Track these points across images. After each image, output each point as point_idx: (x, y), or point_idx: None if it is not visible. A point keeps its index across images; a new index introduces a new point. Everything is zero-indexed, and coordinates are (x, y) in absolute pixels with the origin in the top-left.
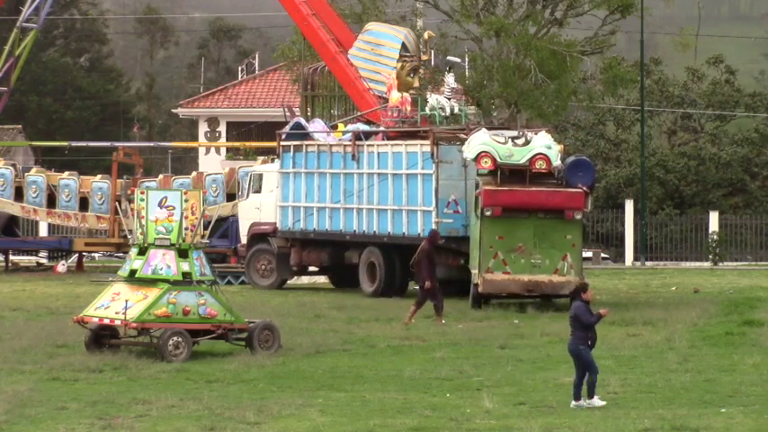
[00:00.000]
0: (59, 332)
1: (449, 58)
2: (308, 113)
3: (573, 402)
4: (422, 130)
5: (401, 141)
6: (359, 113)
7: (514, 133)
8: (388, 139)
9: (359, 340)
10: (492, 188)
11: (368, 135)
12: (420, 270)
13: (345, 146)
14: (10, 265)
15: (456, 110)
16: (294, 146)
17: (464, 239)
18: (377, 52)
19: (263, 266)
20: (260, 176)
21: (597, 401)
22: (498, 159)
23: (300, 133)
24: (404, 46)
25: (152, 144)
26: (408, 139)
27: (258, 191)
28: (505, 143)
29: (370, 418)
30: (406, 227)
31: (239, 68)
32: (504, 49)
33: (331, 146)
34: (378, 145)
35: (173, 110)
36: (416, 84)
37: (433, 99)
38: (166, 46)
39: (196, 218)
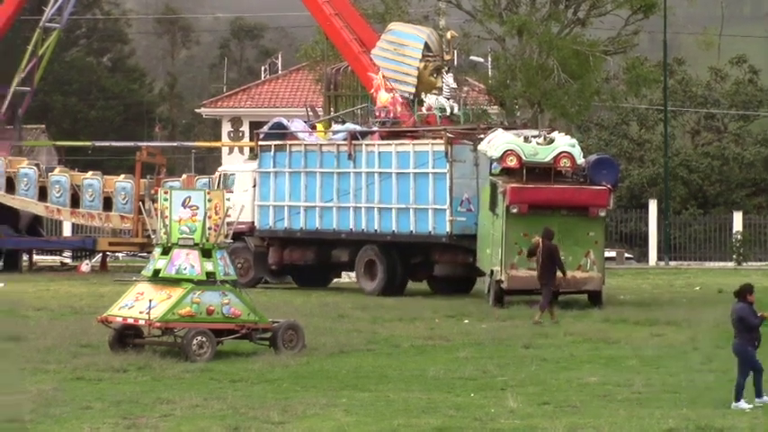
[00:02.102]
0: (83, 332)
1: (471, 57)
2: (331, 113)
3: (733, 404)
4: (411, 131)
5: (408, 141)
6: (340, 112)
7: (533, 132)
8: (381, 138)
9: (383, 340)
10: (518, 185)
11: (363, 134)
12: (545, 268)
13: (339, 145)
14: (32, 264)
15: (455, 110)
16: (275, 145)
17: (475, 237)
18: (400, 52)
19: (240, 265)
20: (231, 176)
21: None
22: (524, 158)
23: (280, 133)
24: (427, 46)
25: (175, 144)
26: (395, 138)
27: (228, 191)
28: (527, 142)
29: (394, 418)
30: (414, 225)
31: (262, 68)
32: (527, 49)
33: (321, 145)
34: (379, 144)
35: (196, 109)
36: (439, 84)
37: (432, 99)
38: (188, 46)
39: (219, 217)
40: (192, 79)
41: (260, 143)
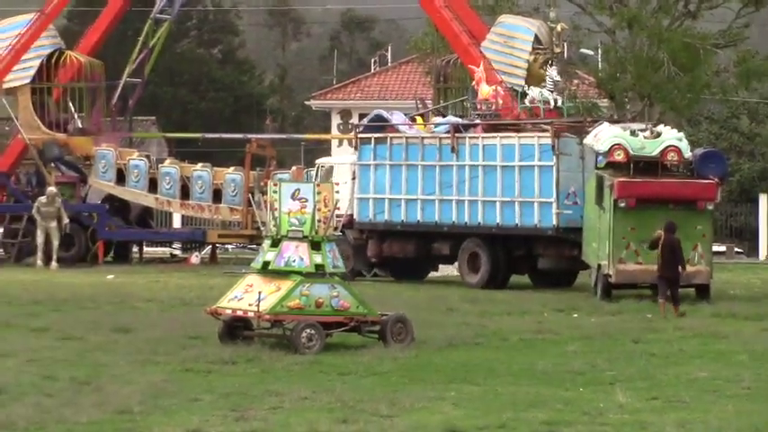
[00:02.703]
0: (193, 323)
1: (581, 50)
2: (448, 106)
3: None
4: (514, 124)
5: (513, 134)
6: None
7: (639, 126)
8: (484, 131)
9: (491, 333)
10: (626, 180)
11: (466, 127)
12: (667, 261)
13: (441, 138)
14: (142, 256)
15: (559, 103)
16: (375, 138)
17: (581, 230)
18: (510, 44)
19: None
20: (330, 168)
21: None
22: (631, 152)
23: (378, 125)
24: (537, 38)
25: (285, 136)
26: (501, 131)
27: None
28: (634, 135)
29: (502, 412)
30: (519, 218)
31: (372, 60)
32: (638, 42)
33: (423, 138)
34: (483, 137)
35: (305, 102)
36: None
37: (535, 92)
38: (299, 38)
39: (329, 210)
40: (302, 71)
41: (359, 136)
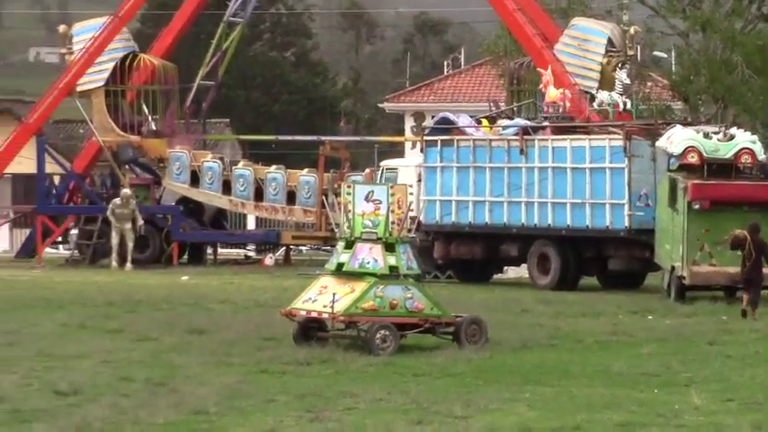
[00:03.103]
0: (267, 325)
1: (655, 53)
2: (514, 108)
3: None
4: (583, 126)
5: (584, 136)
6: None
7: (713, 128)
8: (552, 133)
9: (566, 335)
10: (700, 182)
11: (535, 129)
12: (754, 263)
13: (510, 140)
14: (216, 258)
15: (628, 106)
16: (442, 140)
17: (652, 232)
18: (583, 47)
19: None
20: (395, 171)
21: None
22: (705, 154)
23: (444, 128)
24: (610, 41)
25: (358, 138)
26: (570, 133)
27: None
28: (708, 138)
29: (577, 414)
30: (590, 220)
31: (445, 63)
32: (711, 45)
33: (491, 140)
34: (552, 139)
35: (379, 104)
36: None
37: (604, 95)
38: (372, 41)
39: (402, 212)
40: (376, 74)
41: (425, 138)
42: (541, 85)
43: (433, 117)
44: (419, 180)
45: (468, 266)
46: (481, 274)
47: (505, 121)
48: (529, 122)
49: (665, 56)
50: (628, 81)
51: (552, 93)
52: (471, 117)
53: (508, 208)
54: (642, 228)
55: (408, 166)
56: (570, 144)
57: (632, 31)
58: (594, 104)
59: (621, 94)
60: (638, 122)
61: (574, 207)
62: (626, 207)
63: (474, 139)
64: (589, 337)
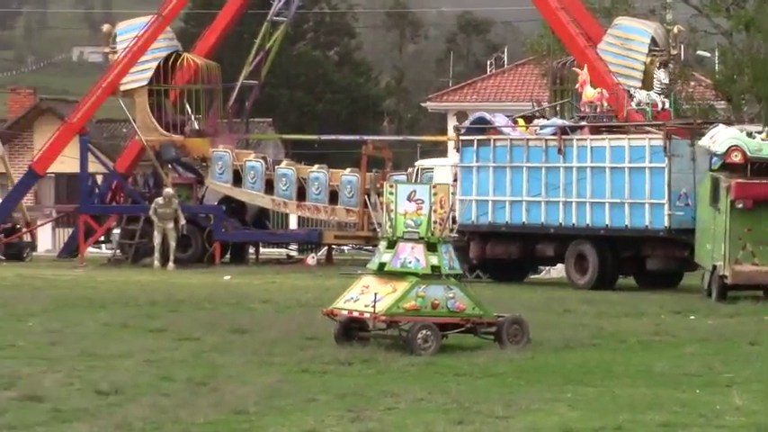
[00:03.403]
0: (309, 324)
1: (698, 52)
2: (557, 108)
3: None
4: (620, 126)
5: (623, 136)
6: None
7: (756, 128)
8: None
9: (608, 335)
10: (744, 181)
11: (572, 129)
12: None
13: (547, 140)
14: (258, 257)
15: (666, 105)
16: (478, 140)
17: (693, 232)
18: (626, 46)
19: None
20: (430, 171)
21: None
22: (749, 153)
23: (480, 128)
24: (653, 40)
25: (401, 138)
26: (608, 133)
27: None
28: (751, 137)
29: (619, 414)
30: (629, 219)
31: (488, 62)
32: (755, 44)
33: (528, 140)
34: (591, 139)
35: (421, 104)
36: (666, 79)
37: (642, 94)
38: (416, 40)
39: (445, 212)
40: (419, 73)
41: (461, 138)
42: (578, 85)
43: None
44: (455, 180)
45: (503, 266)
46: (516, 274)
47: (542, 121)
48: (566, 122)
49: (709, 55)
50: (666, 81)
51: (589, 92)
52: (508, 117)
53: (546, 207)
54: (682, 227)
55: (444, 165)
56: (609, 144)
57: (676, 30)
58: (633, 104)
59: (660, 94)
60: (678, 122)
61: (612, 207)
62: (666, 207)
63: (511, 139)
64: (632, 336)
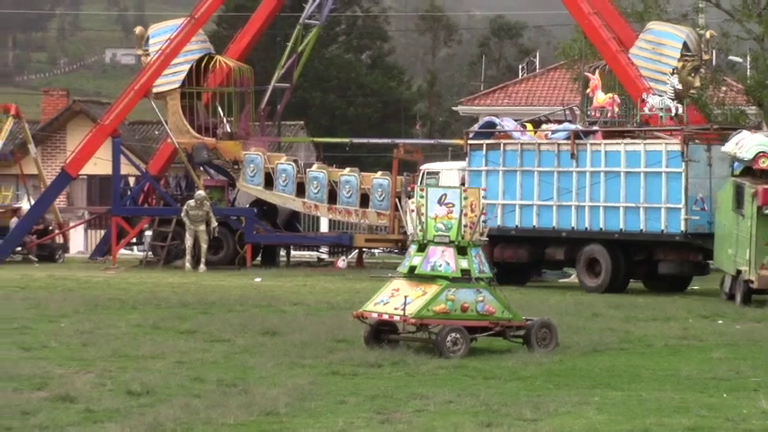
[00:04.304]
0: (339, 327)
1: (730, 57)
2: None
3: None
4: (630, 131)
5: (638, 141)
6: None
7: None
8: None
9: (636, 339)
10: None
11: (585, 134)
12: None
13: (560, 144)
14: (289, 260)
15: (680, 111)
16: (487, 144)
17: (708, 236)
18: (658, 51)
19: None
20: (436, 174)
21: None
22: None
23: (488, 132)
24: (685, 45)
25: (432, 141)
26: (622, 138)
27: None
28: None
29: (646, 417)
30: (644, 224)
31: (520, 67)
32: None
33: (539, 144)
34: (605, 144)
35: (453, 107)
36: (697, 83)
37: (655, 99)
38: (449, 44)
39: (475, 215)
40: (451, 77)
41: (470, 142)
42: (589, 90)
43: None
44: (462, 184)
45: (511, 270)
46: (521, 277)
47: (552, 126)
48: (579, 126)
49: (741, 60)
50: (680, 86)
51: (600, 97)
52: (516, 121)
53: (557, 211)
54: (698, 232)
55: (450, 169)
56: (624, 148)
57: (708, 35)
58: (645, 109)
59: (673, 99)
60: (695, 127)
61: (627, 211)
62: (683, 211)
63: (521, 143)
64: (659, 341)
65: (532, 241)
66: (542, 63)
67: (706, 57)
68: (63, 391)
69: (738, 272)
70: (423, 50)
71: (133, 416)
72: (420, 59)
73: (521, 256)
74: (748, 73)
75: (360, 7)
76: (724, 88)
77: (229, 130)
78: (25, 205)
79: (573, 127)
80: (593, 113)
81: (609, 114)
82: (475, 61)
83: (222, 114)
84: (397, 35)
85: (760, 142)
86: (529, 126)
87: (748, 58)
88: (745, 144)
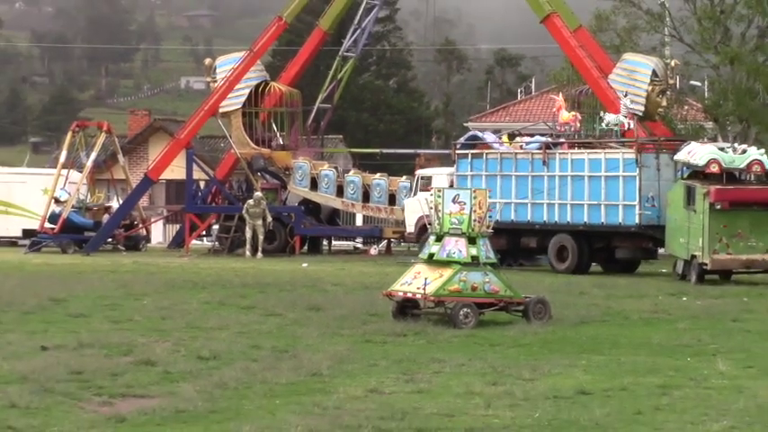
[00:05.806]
0: (371, 303)
1: (691, 82)
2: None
3: None
4: (588, 143)
5: (600, 150)
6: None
7: (725, 144)
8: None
9: (616, 313)
10: (721, 187)
11: (555, 145)
12: None
13: (533, 153)
14: (330, 248)
15: (631, 125)
16: (472, 153)
17: (658, 228)
18: (632, 77)
19: None
20: (429, 178)
21: None
22: (724, 165)
23: (472, 143)
24: (654, 72)
25: (447, 152)
26: (585, 149)
27: (425, 190)
28: (724, 152)
29: (624, 377)
30: (605, 217)
31: (519, 90)
32: (738, 75)
33: (516, 153)
34: (572, 153)
35: (464, 123)
36: (664, 103)
37: (611, 117)
38: (461, 72)
39: (483, 212)
40: (462, 99)
41: (457, 152)
42: (555, 109)
43: (509, 134)
44: (450, 186)
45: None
46: (500, 261)
47: (526, 138)
48: (549, 139)
49: (700, 84)
50: (632, 106)
51: (564, 115)
52: (495, 134)
53: (531, 208)
54: (650, 224)
55: (441, 174)
56: (588, 156)
57: (673, 63)
58: (603, 124)
59: (626, 117)
60: (646, 139)
61: (590, 207)
62: (637, 207)
63: (501, 153)
64: (635, 314)
65: (510, 232)
66: (537, 87)
67: (671, 81)
68: (145, 357)
69: (693, 257)
70: (439, 77)
71: (203, 376)
72: (437, 84)
73: (500, 244)
74: (706, 95)
75: (388, 42)
76: (686, 107)
77: (282, 143)
78: (115, 204)
79: (543, 139)
80: (559, 128)
81: (573, 129)
82: (482, 86)
83: (276, 130)
84: (419, 64)
85: (711, 151)
86: (505, 138)
87: (706, 83)
88: (697, 152)
